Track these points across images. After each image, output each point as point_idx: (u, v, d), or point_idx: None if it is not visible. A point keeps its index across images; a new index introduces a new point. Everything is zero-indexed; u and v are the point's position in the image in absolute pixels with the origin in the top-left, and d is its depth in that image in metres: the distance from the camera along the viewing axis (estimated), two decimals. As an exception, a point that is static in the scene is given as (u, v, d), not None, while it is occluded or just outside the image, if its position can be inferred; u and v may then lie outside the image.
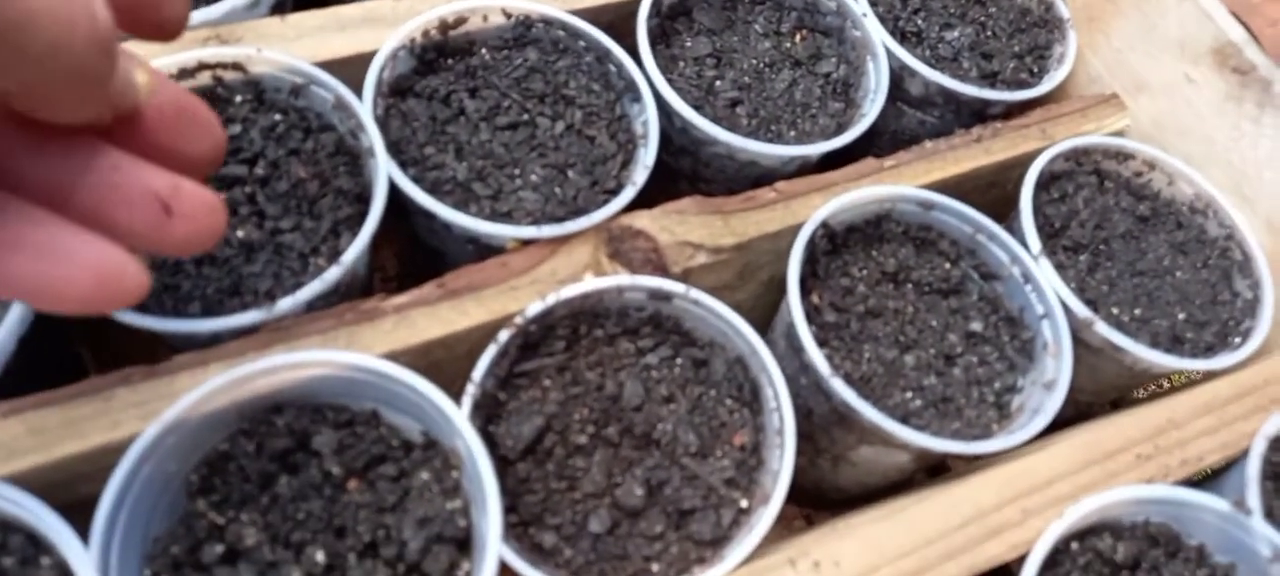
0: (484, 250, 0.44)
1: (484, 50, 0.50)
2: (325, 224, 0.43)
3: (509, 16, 0.49)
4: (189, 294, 0.39)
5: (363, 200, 0.43)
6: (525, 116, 0.48)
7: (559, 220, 0.44)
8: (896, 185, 0.47)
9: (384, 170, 0.42)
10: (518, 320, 0.40)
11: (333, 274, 0.39)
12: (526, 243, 0.43)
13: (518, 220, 0.44)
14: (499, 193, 0.45)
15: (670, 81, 0.49)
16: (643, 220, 0.45)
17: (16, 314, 0.36)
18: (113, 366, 0.37)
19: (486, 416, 0.39)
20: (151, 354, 0.38)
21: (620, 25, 0.51)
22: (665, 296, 0.41)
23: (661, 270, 0.44)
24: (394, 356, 0.38)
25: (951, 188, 0.50)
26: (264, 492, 0.35)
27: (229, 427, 0.36)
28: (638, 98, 0.49)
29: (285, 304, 0.38)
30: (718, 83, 0.53)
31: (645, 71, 0.49)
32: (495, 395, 0.40)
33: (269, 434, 0.36)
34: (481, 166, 0.46)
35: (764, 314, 0.49)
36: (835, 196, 0.46)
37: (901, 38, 0.56)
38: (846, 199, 0.45)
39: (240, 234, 0.42)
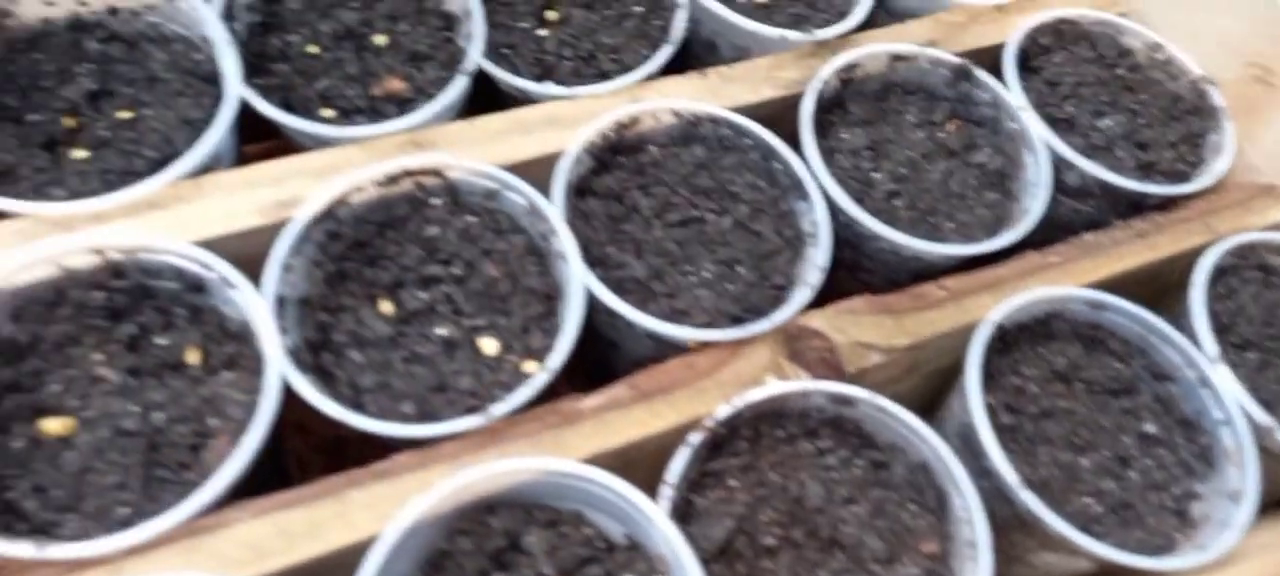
0: (663, 346, 0.46)
1: (653, 148, 0.52)
2: (516, 321, 0.45)
3: (678, 116, 0.51)
4: (401, 393, 0.42)
5: (550, 299, 0.46)
6: (694, 212, 0.50)
7: (733, 316, 0.46)
8: (1067, 287, 0.47)
9: (579, 277, 0.44)
10: (708, 423, 0.41)
11: (540, 380, 0.41)
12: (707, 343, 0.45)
13: (695, 317, 0.46)
14: (675, 291, 0.47)
15: (831, 175, 0.50)
16: (816, 320, 0.46)
17: (269, 407, 0.38)
18: (303, 464, 0.39)
19: (680, 518, 0.41)
20: (338, 449, 0.40)
21: (775, 118, 0.53)
22: (848, 402, 0.43)
23: (836, 370, 0.45)
24: (595, 459, 0.40)
25: (1115, 284, 0.50)
26: (483, 591, 0.37)
27: (447, 526, 0.38)
28: (804, 195, 0.50)
29: (499, 409, 0.40)
30: (875, 174, 0.54)
31: (810, 168, 0.50)
32: (686, 496, 0.41)
33: (485, 534, 0.38)
34: (658, 265, 0.48)
35: (924, 400, 0.50)
36: (1005, 294, 0.47)
37: (1052, 124, 0.57)
38: (1019, 301, 0.46)
39: (441, 332, 0.44)
